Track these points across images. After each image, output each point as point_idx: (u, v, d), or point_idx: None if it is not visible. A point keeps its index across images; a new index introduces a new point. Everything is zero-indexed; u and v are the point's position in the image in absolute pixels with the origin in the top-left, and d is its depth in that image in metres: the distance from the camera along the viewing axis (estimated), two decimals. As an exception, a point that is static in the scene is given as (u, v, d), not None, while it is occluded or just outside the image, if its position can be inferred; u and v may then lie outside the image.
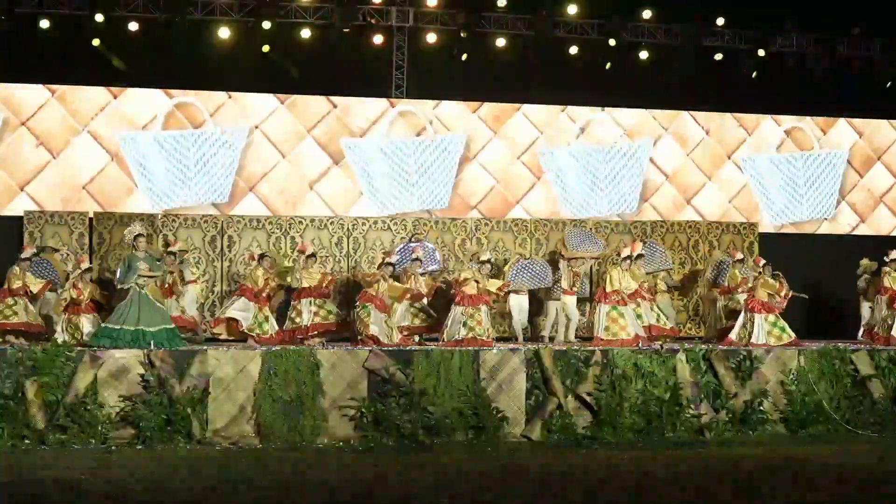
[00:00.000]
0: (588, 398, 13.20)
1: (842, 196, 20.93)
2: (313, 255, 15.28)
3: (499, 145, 19.69)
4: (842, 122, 21.01)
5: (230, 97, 18.88)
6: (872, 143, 21.21)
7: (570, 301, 16.21)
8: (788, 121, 20.83)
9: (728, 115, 20.57)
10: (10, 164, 18.08)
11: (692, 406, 13.29)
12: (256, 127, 18.90)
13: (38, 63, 18.15)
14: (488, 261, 15.29)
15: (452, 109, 19.60)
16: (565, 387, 13.17)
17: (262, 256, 15.33)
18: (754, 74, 20.27)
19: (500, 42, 19.61)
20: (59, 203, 17.89)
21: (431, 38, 19.49)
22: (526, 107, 19.81)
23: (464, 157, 19.54)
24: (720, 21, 20.17)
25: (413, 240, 16.94)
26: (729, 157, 20.52)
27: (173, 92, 18.72)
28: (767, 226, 20.07)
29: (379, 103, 19.38)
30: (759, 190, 20.58)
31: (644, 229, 18.01)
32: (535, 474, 11.02)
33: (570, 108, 19.99)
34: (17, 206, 17.73)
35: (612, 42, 19.65)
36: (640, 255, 15.71)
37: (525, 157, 19.76)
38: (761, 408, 13.61)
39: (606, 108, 20.10)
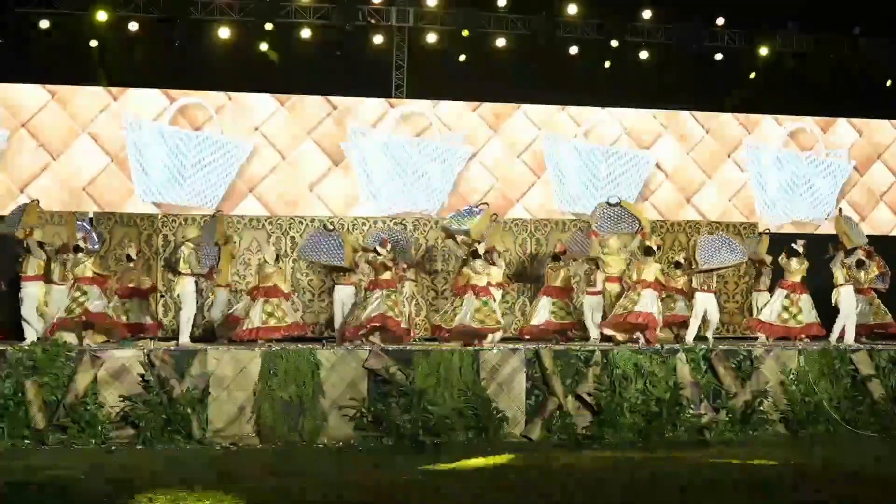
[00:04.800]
0: (588, 398, 13.17)
1: (842, 194, 20.93)
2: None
3: (499, 144, 19.70)
4: (842, 121, 21.01)
5: (230, 98, 18.91)
6: (872, 140, 21.21)
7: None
8: (789, 121, 20.83)
9: (729, 113, 20.59)
10: (10, 166, 18.08)
11: (692, 406, 13.26)
12: (256, 129, 18.91)
13: (39, 63, 18.16)
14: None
15: (452, 108, 19.63)
16: (565, 387, 13.15)
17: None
18: (752, 75, 20.27)
19: (500, 42, 19.63)
20: (59, 205, 17.82)
21: (431, 38, 19.49)
22: (526, 105, 19.83)
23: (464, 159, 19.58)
24: (720, 21, 20.18)
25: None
26: (729, 156, 20.53)
27: (173, 93, 18.75)
28: (763, 222, 20.05)
29: (379, 103, 19.41)
30: (758, 185, 20.58)
31: (644, 228, 17.93)
32: (535, 474, 11.02)
33: (570, 107, 20.03)
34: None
35: (613, 42, 19.67)
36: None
37: (525, 156, 19.77)
38: (761, 408, 13.58)
39: (607, 108, 20.11)
